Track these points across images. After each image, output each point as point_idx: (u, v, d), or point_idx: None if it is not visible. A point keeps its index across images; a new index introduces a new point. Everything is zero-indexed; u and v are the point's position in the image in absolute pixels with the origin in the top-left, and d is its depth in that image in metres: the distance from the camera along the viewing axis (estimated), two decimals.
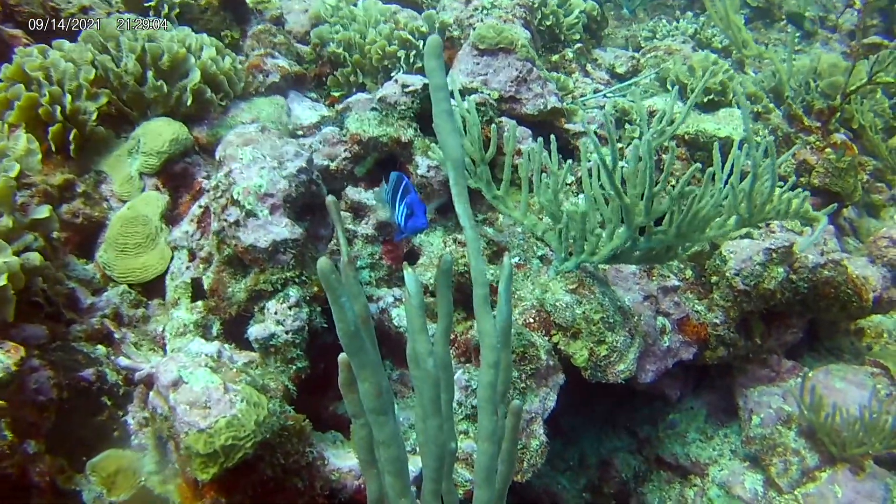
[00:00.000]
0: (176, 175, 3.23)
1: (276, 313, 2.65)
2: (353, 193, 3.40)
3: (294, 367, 2.63)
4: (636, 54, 4.91)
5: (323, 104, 3.85)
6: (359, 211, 3.39)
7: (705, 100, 4.16)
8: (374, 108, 3.56)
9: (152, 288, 3.07)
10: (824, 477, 3.36)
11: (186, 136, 3.24)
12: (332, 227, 3.05)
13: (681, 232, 2.88)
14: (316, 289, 2.76)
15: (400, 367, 3.20)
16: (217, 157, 2.89)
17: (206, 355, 2.33)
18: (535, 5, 4.62)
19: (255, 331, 2.64)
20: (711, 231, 2.87)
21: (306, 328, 2.68)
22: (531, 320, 3.06)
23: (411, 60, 3.85)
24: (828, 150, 4.00)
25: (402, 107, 3.56)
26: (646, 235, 2.92)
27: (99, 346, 2.67)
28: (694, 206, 2.80)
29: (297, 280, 2.72)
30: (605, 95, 4.27)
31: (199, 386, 2.12)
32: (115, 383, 2.58)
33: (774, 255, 3.41)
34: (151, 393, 2.25)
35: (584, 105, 4.17)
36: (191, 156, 3.28)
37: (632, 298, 3.27)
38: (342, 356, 1.77)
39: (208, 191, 2.96)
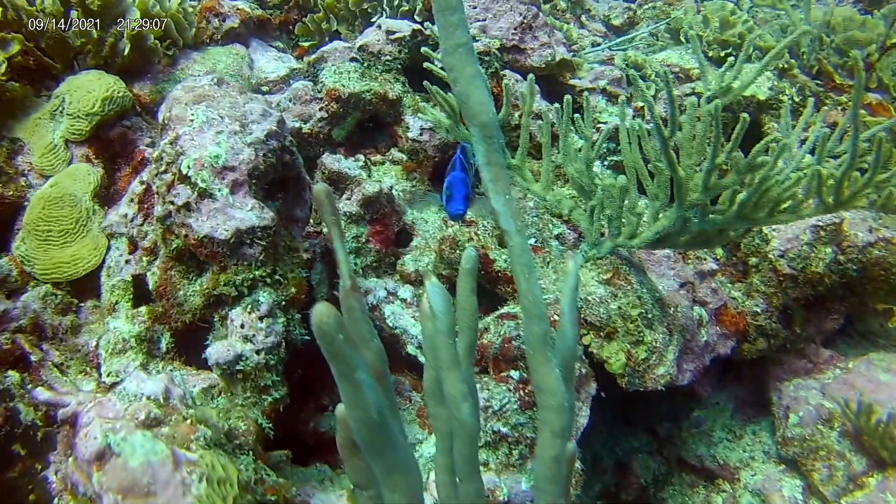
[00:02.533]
0: (112, 142, 2.37)
1: (242, 326, 1.84)
2: (332, 161, 2.57)
3: (269, 399, 1.83)
4: (632, 5, 4.13)
5: (291, 56, 2.99)
6: (339, 183, 2.57)
7: (722, 54, 3.41)
8: (354, 59, 2.72)
9: (84, 286, 2.22)
10: (874, 483, 2.69)
11: (124, 93, 2.38)
12: (310, 205, 2.23)
13: (743, 213, 2.13)
14: (294, 290, 1.95)
15: (392, 373, 2.43)
16: (160, 119, 2.04)
17: (149, 399, 1.52)
18: None
19: (215, 352, 1.82)
20: (783, 214, 2.13)
21: (283, 344, 1.88)
22: (556, 318, 2.30)
23: (395, 2, 3.01)
24: (861, 112, 3.29)
25: (388, 57, 2.73)
26: (699, 215, 2.17)
27: (10, 373, 1.84)
28: (767, 182, 2.06)
29: (268, 280, 1.91)
30: (608, 48, 3.49)
31: (137, 461, 1.32)
32: (31, 424, 1.76)
33: (822, 232, 2.69)
34: (69, 463, 1.44)
35: (586, 59, 3.38)
36: (130, 118, 2.42)
37: (666, 286, 2.53)
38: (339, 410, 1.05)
39: (151, 163, 2.12)
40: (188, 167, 1.87)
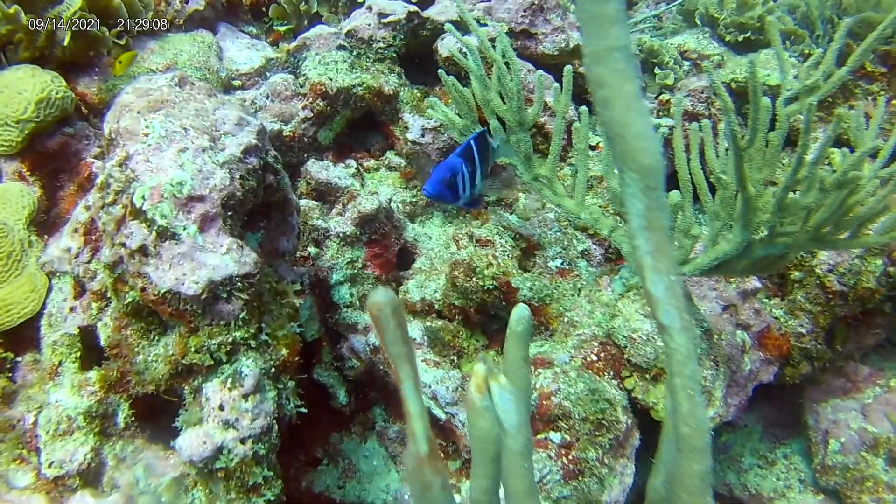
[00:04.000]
0: (51, 154, 1.81)
1: (221, 408, 1.33)
2: (319, 169, 2.05)
3: (261, 500, 1.34)
4: None
5: (266, 42, 2.43)
6: (327, 195, 2.05)
7: (740, 38, 2.93)
8: (341, 47, 2.18)
9: (20, 335, 1.69)
10: None
11: (64, 93, 1.82)
12: (298, 232, 1.72)
13: (819, 234, 1.67)
14: (285, 351, 1.44)
15: (398, 420, 1.95)
16: (106, 132, 1.49)
17: None
18: None
19: (188, 445, 1.30)
20: (868, 237, 1.68)
21: (275, 427, 1.38)
22: (594, 357, 1.83)
23: None
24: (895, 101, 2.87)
25: (381, 44, 2.19)
26: (767, 238, 1.71)
27: None
28: (853, 197, 1.60)
29: (252, 342, 1.40)
30: (636, 23, 2.99)
31: None
32: None
33: None
34: None
35: None
36: (73, 123, 1.86)
37: (709, 309, 2.08)
38: None
39: (93, 200, 1.58)
40: (143, 198, 1.34)
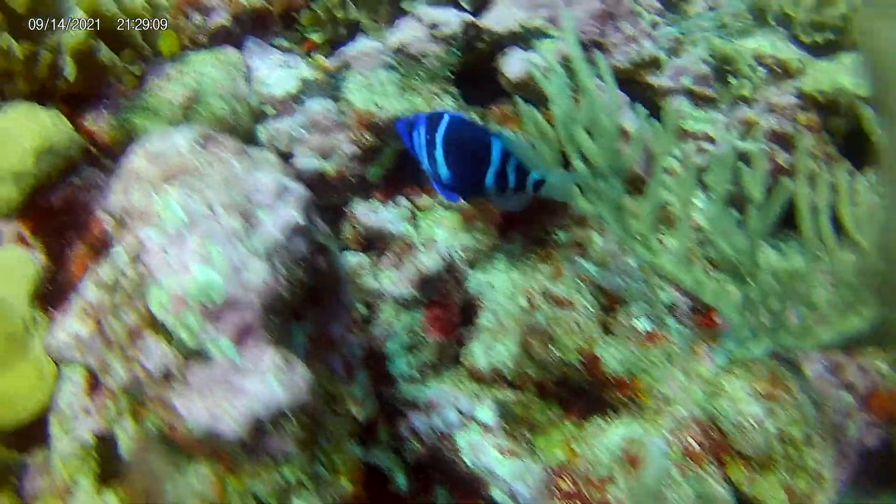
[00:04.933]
0: (55, 211, 1.45)
1: None
2: (366, 213, 1.70)
3: None
4: None
5: (298, 56, 2.04)
6: (379, 244, 1.70)
7: (819, 39, 2.53)
8: (387, 66, 1.81)
9: (27, 432, 1.37)
10: None
11: (69, 138, 1.46)
12: (351, 309, 1.37)
13: None
14: (347, 483, 1.10)
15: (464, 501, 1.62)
16: (112, 205, 1.15)
17: None
18: None
19: None
20: None
21: None
22: (691, 442, 1.49)
23: None
24: None
25: (433, 61, 1.81)
26: None
27: None
28: None
29: (305, 480, 1.08)
30: (681, 33, 2.58)
31: None
32: None
33: None
34: None
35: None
36: (80, 170, 1.50)
37: (814, 371, 1.73)
38: None
39: (103, 284, 1.23)
40: (161, 307, 1.00)
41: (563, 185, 1.53)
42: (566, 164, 1.55)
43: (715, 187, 1.44)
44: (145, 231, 1.05)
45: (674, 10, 3.09)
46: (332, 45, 2.18)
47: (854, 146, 2.33)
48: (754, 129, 2.14)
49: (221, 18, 1.79)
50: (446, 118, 1.46)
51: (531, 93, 1.75)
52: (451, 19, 1.83)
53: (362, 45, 1.82)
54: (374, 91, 1.73)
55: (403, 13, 2.00)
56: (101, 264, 1.34)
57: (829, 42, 2.48)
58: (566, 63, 1.75)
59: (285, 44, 1.97)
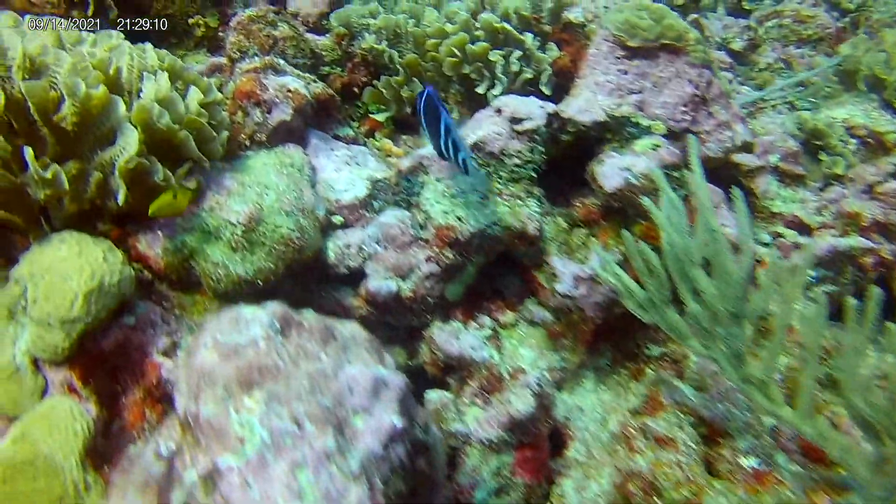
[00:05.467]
0: (107, 356, 1.26)
1: None
2: (447, 339, 1.49)
3: None
4: (751, 22, 2.92)
5: (365, 148, 1.81)
6: (461, 372, 1.49)
7: None
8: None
9: None
10: None
11: (121, 273, 1.26)
12: (443, 489, 1.16)
13: None
14: None
15: None
16: (180, 411, 0.94)
17: None
18: None
19: None
20: None
21: None
22: None
23: (514, 67, 1.83)
24: None
25: (516, 160, 1.59)
26: None
27: None
28: None
29: None
30: (762, 98, 2.33)
31: None
32: None
33: None
34: None
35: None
36: (134, 308, 1.30)
37: None
38: None
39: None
40: None
41: (479, 176, 1.54)
42: (676, 299, 1.32)
43: (851, 344, 1.20)
44: (223, 458, 0.84)
45: (743, 61, 2.85)
46: (396, 124, 1.99)
47: None
48: (857, 219, 1.89)
49: (284, 114, 1.58)
50: (425, 91, 1.44)
51: (627, 203, 1.52)
52: (534, 112, 1.61)
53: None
54: (454, 200, 1.51)
55: (481, 103, 1.79)
56: (159, 434, 1.15)
57: None
58: (666, 170, 1.53)
59: (350, 132, 1.76)
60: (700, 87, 1.75)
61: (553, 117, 1.64)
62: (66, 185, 1.23)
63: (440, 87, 1.91)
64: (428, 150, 1.58)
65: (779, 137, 2.06)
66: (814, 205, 2.02)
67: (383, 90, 1.94)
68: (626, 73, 1.75)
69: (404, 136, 1.98)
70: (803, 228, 2.00)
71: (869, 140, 2.15)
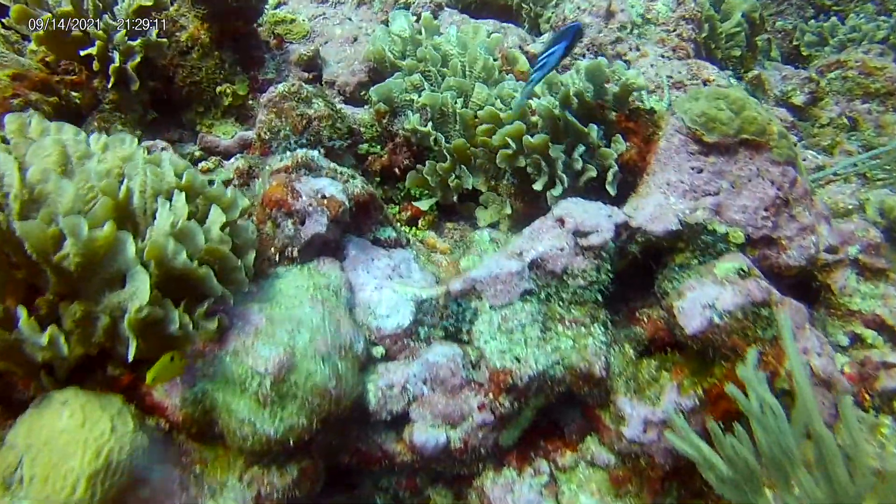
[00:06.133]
0: None
1: None
2: (500, 493, 1.26)
3: None
4: (812, 73, 2.63)
5: (409, 254, 1.57)
6: None
7: None
8: (525, 292, 1.35)
9: None
10: None
11: (131, 442, 1.06)
12: None
13: None
14: None
15: None
16: None
17: None
18: (704, 16, 2.29)
19: None
20: None
21: None
22: None
23: (577, 165, 1.55)
24: None
25: (580, 281, 1.35)
26: None
27: None
28: None
29: None
30: (835, 173, 2.06)
31: None
32: None
33: None
34: None
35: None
36: (149, 477, 1.10)
37: None
38: None
39: None
40: None
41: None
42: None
43: None
44: None
45: (805, 116, 2.57)
46: (441, 210, 1.76)
47: None
48: None
49: (319, 225, 1.35)
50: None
51: (709, 345, 1.28)
52: (602, 224, 1.36)
53: (492, 267, 1.34)
54: (512, 336, 1.27)
55: (537, 200, 1.55)
56: None
57: None
58: (754, 308, 1.28)
59: (392, 234, 1.52)
60: (783, 187, 1.49)
61: (621, 227, 1.39)
62: (66, 351, 1.01)
63: (491, 175, 1.67)
64: (481, 271, 1.35)
65: (860, 226, 1.79)
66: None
67: (428, 176, 1.71)
68: (701, 171, 1.50)
69: (449, 224, 1.75)
70: (884, 329, 1.74)
71: None
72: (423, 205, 1.72)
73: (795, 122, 2.43)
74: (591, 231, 1.37)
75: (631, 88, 1.55)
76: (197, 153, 1.85)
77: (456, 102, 1.70)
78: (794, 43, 2.78)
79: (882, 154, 2.04)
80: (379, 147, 1.79)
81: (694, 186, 1.49)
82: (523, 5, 2.36)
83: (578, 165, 1.51)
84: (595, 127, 1.53)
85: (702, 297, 1.29)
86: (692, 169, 1.50)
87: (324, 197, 1.38)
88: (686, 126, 1.51)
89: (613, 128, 1.57)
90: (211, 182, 1.29)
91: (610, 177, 1.52)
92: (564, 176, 1.51)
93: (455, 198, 1.71)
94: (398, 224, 1.71)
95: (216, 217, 1.21)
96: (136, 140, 1.29)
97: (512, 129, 1.55)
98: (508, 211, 1.64)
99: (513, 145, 1.56)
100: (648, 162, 1.55)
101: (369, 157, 1.77)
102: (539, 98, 1.61)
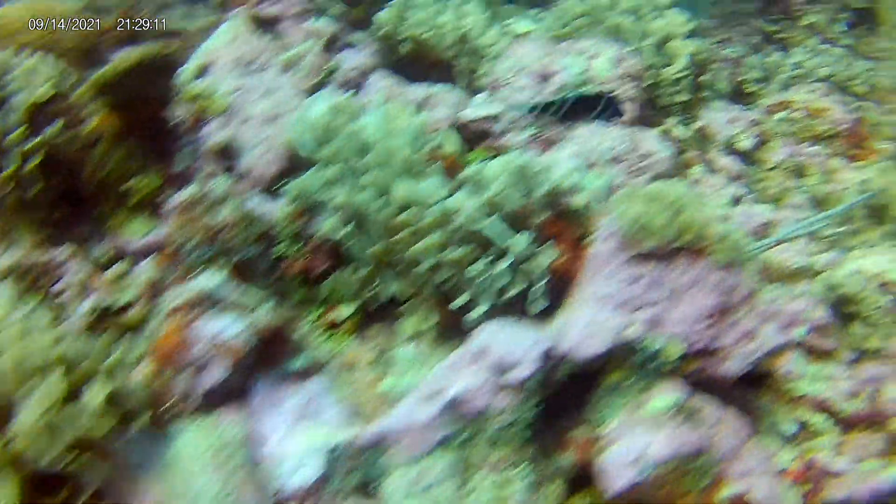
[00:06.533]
0: None
1: None
2: None
3: None
4: (759, 115, 2.49)
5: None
6: None
7: None
8: (441, 444, 1.21)
9: None
10: None
11: None
12: None
13: None
14: None
15: None
16: None
17: None
18: (647, 63, 2.16)
19: None
20: None
21: None
22: None
23: (500, 283, 1.38)
24: None
25: (503, 420, 1.22)
26: None
27: None
28: None
29: None
30: (779, 241, 1.93)
31: None
32: None
33: None
34: None
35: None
36: None
37: None
38: None
39: None
40: None
41: None
42: None
43: None
44: None
45: (751, 161, 2.44)
46: (365, 315, 1.61)
47: None
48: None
49: (219, 373, 1.20)
50: None
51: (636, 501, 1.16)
52: (526, 355, 1.22)
53: (406, 418, 1.21)
54: (427, 494, 1.14)
55: (456, 328, 1.41)
56: None
57: None
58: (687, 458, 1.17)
59: (302, 364, 1.37)
60: (724, 294, 1.37)
61: (548, 355, 1.26)
62: None
63: (414, 282, 1.53)
64: (393, 419, 1.21)
65: (807, 306, 1.68)
66: (845, 385, 1.64)
67: (346, 283, 1.56)
68: (636, 280, 1.36)
69: (372, 330, 1.60)
70: (832, 413, 1.63)
71: None
72: (344, 311, 1.57)
73: (742, 171, 2.30)
74: (513, 364, 1.24)
75: (560, 190, 1.41)
76: (105, 258, 1.68)
77: (377, 201, 1.55)
78: (740, 79, 2.65)
79: (831, 215, 1.92)
80: (296, 248, 1.64)
81: (628, 298, 1.36)
82: (457, 60, 2.20)
83: (502, 282, 1.38)
84: (521, 236, 1.39)
85: (627, 452, 1.17)
86: (627, 278, 1.37)
87: (224, 340, 1.23)
88: (619, 232, 1.38)
89: (542, 233, 1.43)
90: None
91: (537, 292, 1.38)
92: (486, 294, 1.37)
93: (377, 304, 1.57)
94: (316, 335, 1.56)
95: (99, 391, 1.06)
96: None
97: (429, 242, 1.41)
98: (433, 322, 1.51)
99: (431, 259, 1.42)
100: (580, 269, 1.42)
101: (285, 261, 1.62)
102: (464, 200, 1.46)
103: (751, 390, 1.64)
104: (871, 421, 1.61)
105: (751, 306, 1.42)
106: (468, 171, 1.58)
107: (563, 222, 1.44)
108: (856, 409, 1.61)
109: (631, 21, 2.26)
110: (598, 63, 1.99)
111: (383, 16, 2.28)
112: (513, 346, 1.25)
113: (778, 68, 2.68)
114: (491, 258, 1.40)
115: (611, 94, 1.56)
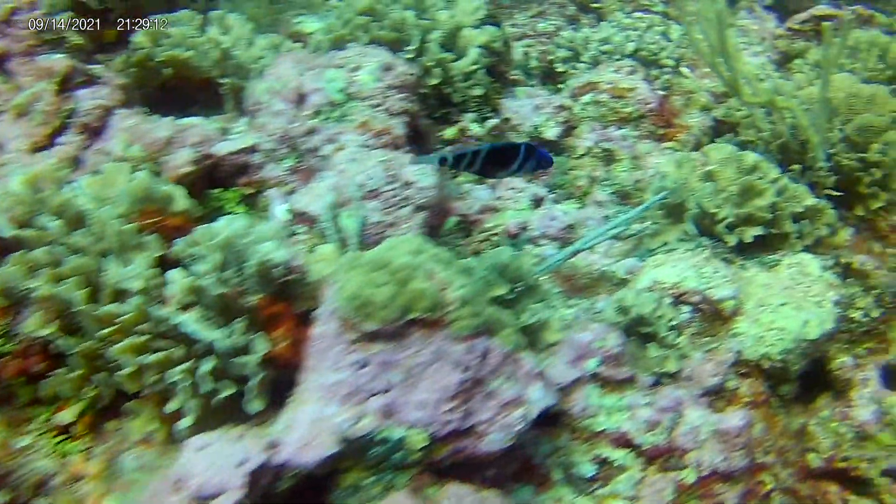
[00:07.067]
0: None
1: None
2: None
3: None
4: (565, 100, 2.28)
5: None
6: None
7: (750, 237, 1.75)
8: None
9: None
10: None
11: None
12: None
13: None
14: None
15: None
16: None
17: None
18: (422, 74, 1.92)
19: None
20: None
21: None
22: None
23: (206, 387, 1.11)
24: None
25: None
26: None
27: None
28: None
29: None
30: (577, 251, 1.75)
31: None
32: None
33: None
34: None
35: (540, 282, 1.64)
36: None
37: None
38: None
39: None
40: None
41: None
42: None
43: None
44: None
45: (560, 149, 2.24)
46: (94, 418, 1.35)
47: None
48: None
49: None
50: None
51: None
52: (230, 480, 1.01)
53: None
54: None
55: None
56: None
57: (759, 239, 1.72)
58: None
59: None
60: (471, 366, 1.17)
61: (259, 474, 1.05)
62: None
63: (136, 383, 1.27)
64: None
65: (597, 335, 1.52)
66: (645, 414, 1.51)
67: (65, 383, 1.29)
68: (364, 365, 1.15)
69: (107, 431, 1.35)
70: (632, 446, 1.50)
71: (703, 307, 1.64)
72: (68, 414, 1.31)
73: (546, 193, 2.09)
74: (216, 493, 1.02)
75: (268, 266, 1.17)
76: None
77: (82, 291, 1.27)
78: (550, 58, 2.44)
79: (629, 219, 1.76)
80: (11, 346, 1.35)
81: (357, 387, 1.15)
82: (223, 80, 1.89)
83: (207, 387, 1.14)
84: (225, 329, 1.15)
85: None
86: (354, 363, 1.15)
87: None
88: (339, 313, 1.16)
89: (256, 317, 1.19)
90: None
91: (253, 390, 1.16)
92: (193, 403, 1.14)
93: (106, 400, 1.31)
94: (44, 442, 1.30)
95: None
96: None
97: (129, 344, 1.15)
98: (158, 423, 1.26)
99: (132, 361, 1.16)
100: (302, 355, 1.20)
101: (1, 361, 1.33)
102: (172, 282, 1.20)
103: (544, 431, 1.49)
104: (670, 455, 1.49)
105: (511, 370, 1.24)
106: (193, 236, 1.31)
107: (282, 300, 1.21)
108: (654, 441, 1.49)
109: (414, 15, 1.99)
110: (361, 76, 1.73)
111: (139, 38, 1.92)
112: (216, 468, 1.03)
113: (587, 44, 2.47)
114: (196, 357, 1.16)
115: None
